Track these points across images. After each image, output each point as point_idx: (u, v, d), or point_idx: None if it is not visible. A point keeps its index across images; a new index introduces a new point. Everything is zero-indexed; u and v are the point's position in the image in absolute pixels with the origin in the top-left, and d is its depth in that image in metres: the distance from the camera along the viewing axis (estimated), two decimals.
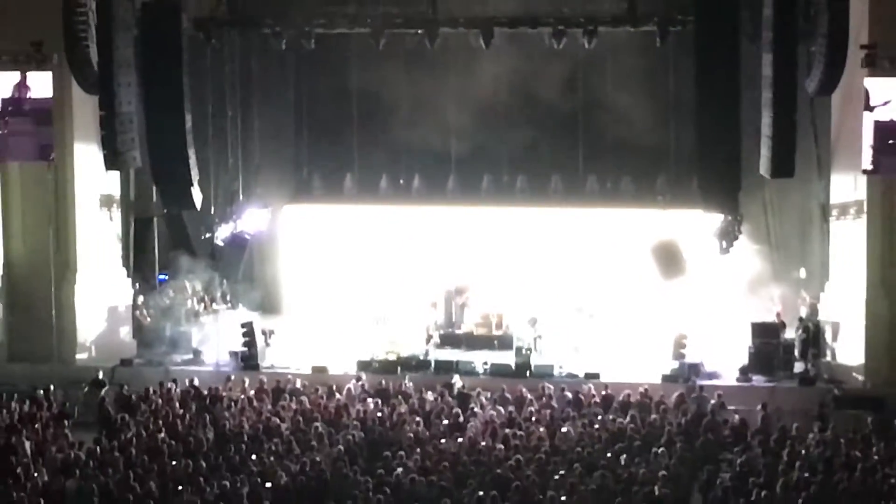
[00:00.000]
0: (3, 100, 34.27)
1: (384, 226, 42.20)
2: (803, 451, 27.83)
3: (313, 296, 42.13)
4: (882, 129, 31.35)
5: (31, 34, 34.16)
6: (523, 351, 36.83)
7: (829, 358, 36.42)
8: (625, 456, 27.53)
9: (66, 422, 31.73)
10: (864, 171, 32.67)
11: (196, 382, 34.43)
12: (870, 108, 30.91)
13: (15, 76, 34.02)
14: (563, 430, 29.89)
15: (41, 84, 34.15)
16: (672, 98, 39.21)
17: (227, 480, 26.24)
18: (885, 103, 30.90)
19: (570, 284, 39.86)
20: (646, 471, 26.48)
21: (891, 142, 31.49)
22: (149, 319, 40.26)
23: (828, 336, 36.59)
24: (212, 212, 39.79)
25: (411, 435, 29.73)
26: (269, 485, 26.10)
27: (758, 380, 35.60)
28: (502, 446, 28.15)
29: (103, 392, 34.18)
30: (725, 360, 36.50)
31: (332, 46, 39.07)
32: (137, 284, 40.57)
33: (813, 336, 36.18)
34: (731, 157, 31.96)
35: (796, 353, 36.36)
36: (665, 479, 25.86)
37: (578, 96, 40.81)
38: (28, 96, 34.24)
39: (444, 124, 40.88)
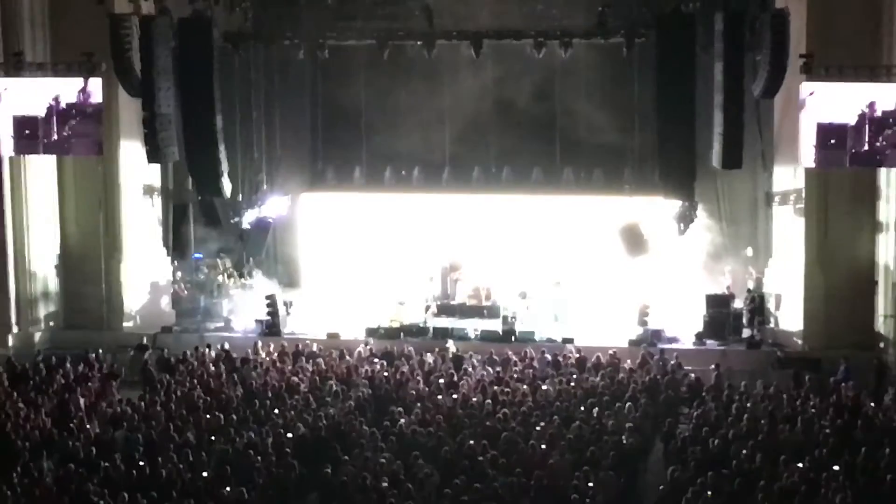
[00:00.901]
0: (67, 104, 34.24)
1: (388, 211, 42.15)
2: (750, 406, 27.89)
3: (327, 271, 42.09)
4: (823, 129, 31.35)
5: (83, 45, 34.02)
6: (509, 319, 36.88)
7: (772, 324, 36.48)
8: (597, 410, 27.59)
9: (114, 381, 31.77)
10: (806, 168, 32.82)
11: (227, 347, 34.48)
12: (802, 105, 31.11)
13: (79, 82, 34.01)
14: (544, 387, 29.88)
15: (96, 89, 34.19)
16: (636, 101, 39.04)
17: (253, 431, 26.40)
18: (811, 94, 30.94)
19: (549, 261, 39.79)
20: (615, 423, 26.56)
21: (833, 141, 31.48)
22: (185, 292, 40.30)
23: (771, 306, 36.68)
24: (239, 199, 39.72)
25: (412, 392, 29.78)
26: (290, 435, 26.16)
27: (711, 344, 35.64)
28: (491, 402, 28.18)
29: (146, 355, 34.22)
30: (683, 326, 36.54)
31: (343, 56, 38.99)
32: (175, 262, 40.61)
33: (758, 306, 36.23)
34: (687, 152, 31.91)
35: (744, 320, 36.38)
36: (631, 429, 25.95)
37: (556, 100, 40.67)
38: (91, 101, 34.19)
39: (439, 124, 40.88)
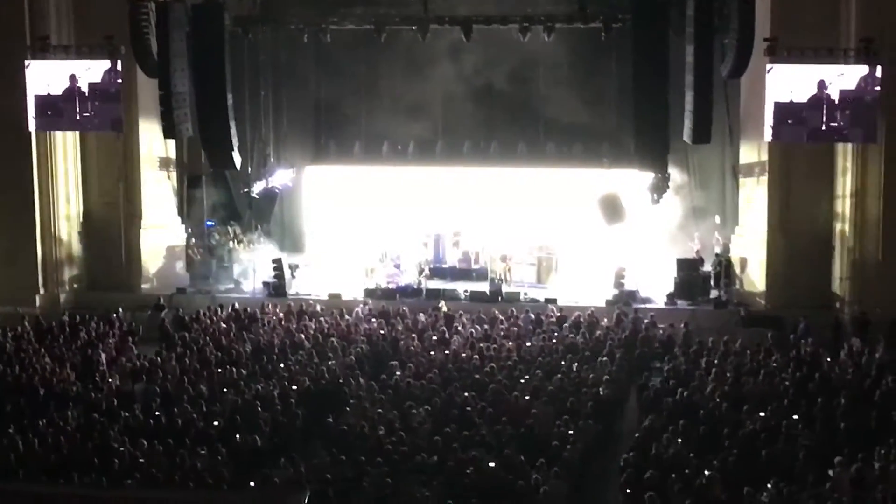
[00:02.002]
0: (90, 83, 34.30)
1: (385, 182, 41.98)
2: (717, 360, 27.94)
3: (329, 237, 41.97)
4: (783, 107, 31.50)
5: (104, 30, 34.10)
6: (495, 281, 37.02)
7: (738, 286, 36.49)
8: (576, 364, 27.62)
9: (133, 338, 31.79)
10: (769, 142, 33.08)
11: (237, 306, 34.50)
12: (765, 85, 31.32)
13: (102, 64, 34.10)
14: (528, 343, 29.94)
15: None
16: (614, 81, 38.85)
17: (261, 384, 26.38)
18: (774, 74, 31.12)
19: (534, 228, 39.77)
20: (593, 376, 26.59)
21: (790, 120, 31.63)
22: (199, 257, 40.23)
23: (737, 269, 36.67)
24: (249, 171, 39.71)
25: (407, 348, 29.81)
26: (295, 387, 26.18)
27: (681, 304, 35.67)
28: (479, 357, 28.23)
29: (163, 314, 34.25)
30: (656, 288, 36.60)
31: (344, 39, 38.82)
32: (189, 229, 40.51)
33: (725, 269, 36.29)
34: (660, 128, 31.94)
35: (712, 282, 36.45)
36: (608, 382, 26.02)
37: (540, 80, 40.46)
38: (118, 81, 34.29)
39: (433, 102, 40.61)
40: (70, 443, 22.68)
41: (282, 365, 28.22)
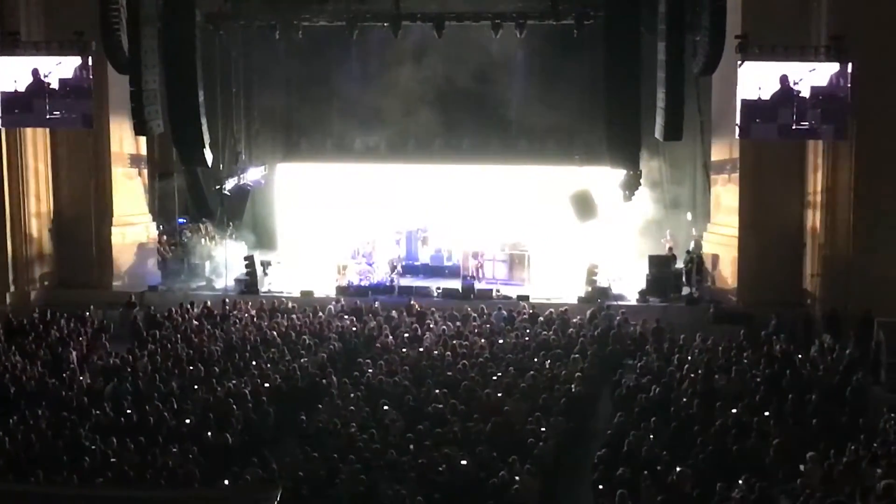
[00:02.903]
0: (60, 80, 34.15)
1: (357, 179, 41.94)
2: (689, 357, 28.00)
3: (302, 234, 41.90)
4: (749, 105, 31.64)
5: (75, 26, 33.93)
6: (468, 278, 36.99)
7: (709, 283, 36.56)
8: (549, 361, 27.65)
9: (104, 336, 31.67)
10: (740, 139, 33.18)
11: (209, 304, 34.45)
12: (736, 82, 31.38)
13: (72, 60, 33.96)
14: (500, 340, 29.96)
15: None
16: (586, 77, 38.86)
17: (233, 382, 26.29)
18: (745, 72, 31.26)
19: (506, 225, 39.78)
20: (566, 372, 26.63)
21: (758, 119, 31.77)
22: (171, 254, 40.17)
23: (709, 265, 36.76)
24: (220, 168, 39.54)
25: (379, 345, 29.80)
26: (267, 385, 26.13)
27: (654, 301, 35.72)
28: (451, 354, 28.24)
29: (134, 312, 34.11)
30: (628, 285, 36.70)
31: (316, 36, 38.72)
32: (161, 226, 40.38)
33: (697, 266, 36.39)
34: (632, 125, 31.90)
35: (684, 279, 36.53)
36: (581, 378, 26.08)
37: (513, 77, 40.56)
38: (89, 77, 34.16)
39: (405, 98, 40.40)
40: (40, 441, 22.58)
41: (254, 362, 28.15)
